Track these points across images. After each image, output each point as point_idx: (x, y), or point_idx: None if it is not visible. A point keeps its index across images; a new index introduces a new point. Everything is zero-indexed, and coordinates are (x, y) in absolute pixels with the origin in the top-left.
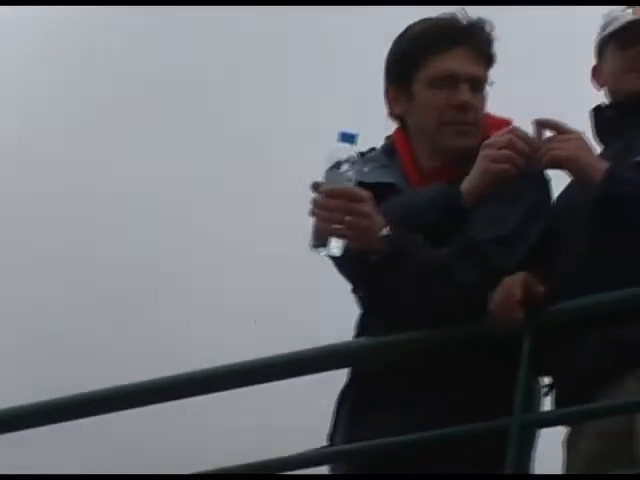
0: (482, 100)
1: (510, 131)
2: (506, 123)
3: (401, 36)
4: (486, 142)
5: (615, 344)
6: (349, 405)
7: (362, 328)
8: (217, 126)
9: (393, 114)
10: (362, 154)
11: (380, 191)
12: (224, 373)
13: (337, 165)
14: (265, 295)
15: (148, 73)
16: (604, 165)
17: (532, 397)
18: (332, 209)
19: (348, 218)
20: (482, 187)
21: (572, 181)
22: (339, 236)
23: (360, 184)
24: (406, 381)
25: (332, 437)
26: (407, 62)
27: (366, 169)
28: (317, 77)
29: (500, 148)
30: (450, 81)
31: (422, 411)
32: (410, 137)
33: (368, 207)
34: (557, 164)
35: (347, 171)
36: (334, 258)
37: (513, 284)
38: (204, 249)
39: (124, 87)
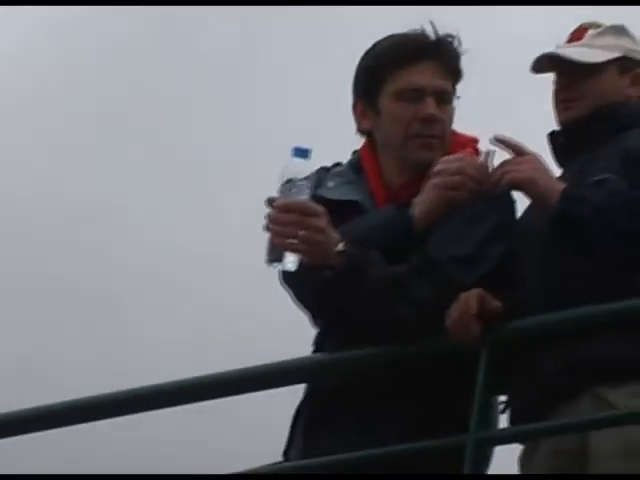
0: (449, 114)
1: (459, 158)
2: (472, 141)
3: (369, 51)
4: (435, 169)
5: (570, 362)
6: (304, 421)
7: (320, 344)
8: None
9: (361, 129)
10: (327, 169)
11: (343, 208)
12: (174, 388)
13: (291, 180)
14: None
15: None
16: (561, 186)
17: (490, 413)
18: (286, 223)
19: (302, 232)
20: (434, 213)
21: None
22: (293, 250)
23: (323, 200)
24: (362, 397)
25: (287, 453)
26: (374, 76)
27: (331, 184)
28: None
29: (451, 175)
30: (416, 94)
31: (378, 427)
32: (378, 152)
33: (322, 221)
34: (515, 186)
35: (301, 186)
36: (291, 285)
37: (469, 299)
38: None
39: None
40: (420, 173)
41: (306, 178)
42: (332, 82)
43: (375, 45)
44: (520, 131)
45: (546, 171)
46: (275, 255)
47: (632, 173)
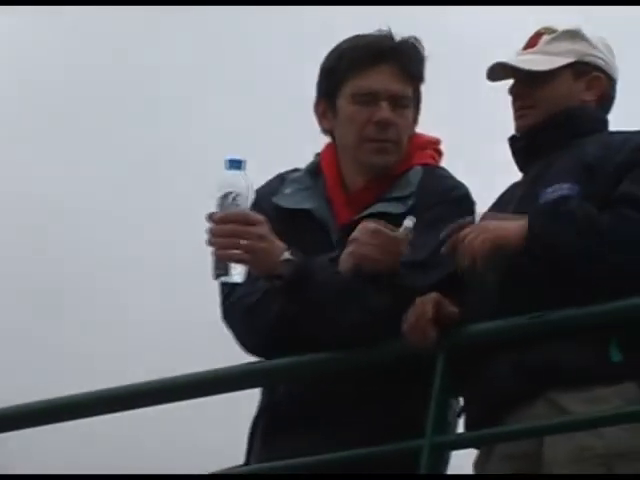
0: (405, 118)
1: (376, 230)
2: (433, 143)
3: (331, 52)
4: (353, 236)
5: (524, 368)
6: (262, 429)
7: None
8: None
9: (323, 129)
10: (284, 175)
11: (298, 217)
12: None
13: (229, 192)
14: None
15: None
16: (519, 228)
17: (447, 418)
18: (226, 235)
19: (243, 241)
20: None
21: (492, 207)
22: (238, 261)
23: (278, 208)
24: (320, 403)
25: (247, 460)
26: (333, 77)
27: (288, 191)
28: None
29: (368, 246)
30: (371, 98)
31: (336, 432)
32: (338, 153)
33: (263, 229)
34: (483, 253)
35: (239, 196)
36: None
37: (425, 303)
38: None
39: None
40: (378, 175)
41: (243, 188)
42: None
43: (337, 46)
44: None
45: (494, 224)
46: (221, 269)
47: (592, 183)
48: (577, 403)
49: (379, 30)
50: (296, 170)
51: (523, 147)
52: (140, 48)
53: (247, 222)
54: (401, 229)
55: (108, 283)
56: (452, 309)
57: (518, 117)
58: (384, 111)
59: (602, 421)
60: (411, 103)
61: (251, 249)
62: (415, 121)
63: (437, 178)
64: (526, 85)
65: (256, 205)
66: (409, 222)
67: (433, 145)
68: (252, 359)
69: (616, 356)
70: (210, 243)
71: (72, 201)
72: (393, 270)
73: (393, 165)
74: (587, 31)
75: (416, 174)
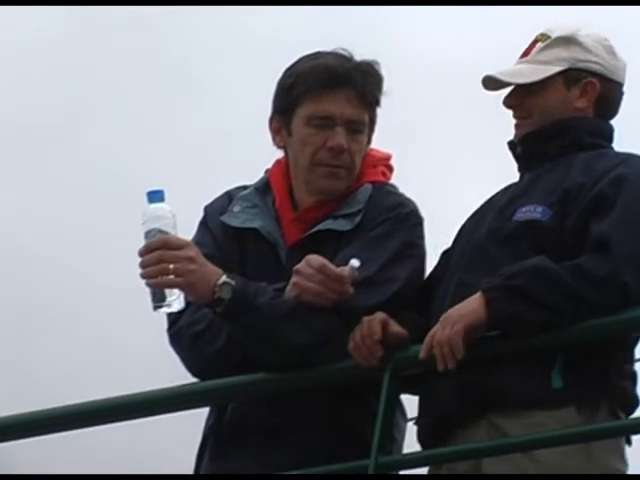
0: (360, 143)
1: (321, 267)
2: (385, 159)
3: (290, 68)
4: (297, 268)
5: (468, 391)
6: (211, 445)
7: None
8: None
9: (276, 145)
10: (232, 193)
11: (245, 235)
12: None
13: (153, 226)
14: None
15: None
16: (481, 309)
17: (392, 437)
18: (154, 262)
19: (172, 266)
20: None
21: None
22: (172, 287)
23: (226, 226)
24: (267, 422)
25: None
26: (289, 97)
27: (236, 209)
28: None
29: (311, 281)
30: (327, 122)
31: (283, 451)
32: (290, 170)
33: (190, 252)
34: (457, 343)
35: (166, 225)
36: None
37: (372, 323)
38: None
39: None
40: (328, 196)
41: (168, 218)
42: None
43: (296, 63)
44: None
45: (459, 314)
46: (158, 299)
47: (568, 208)
48: (517, 428)
49: (338, 49)
50: (244, 187)
51: (521, 154)
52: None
53: (171, 246)
54: (347, 268)
55: None
56: (398, 329)
57: (515, 127)
58: (339, 137)
59: (537, 443)
60: (366, 128)
61: (180, 272)
62: (369, 142)
63: (385, 195)
64: (519, 96)
65: (204, 224)
66: (355, 262)
67: (384, 162)
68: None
69: (557, 382)
70: (141, 275)
71: None
72: (335, 305)
73: (343, 190)
74: (584, 34)
75: (365, 191)
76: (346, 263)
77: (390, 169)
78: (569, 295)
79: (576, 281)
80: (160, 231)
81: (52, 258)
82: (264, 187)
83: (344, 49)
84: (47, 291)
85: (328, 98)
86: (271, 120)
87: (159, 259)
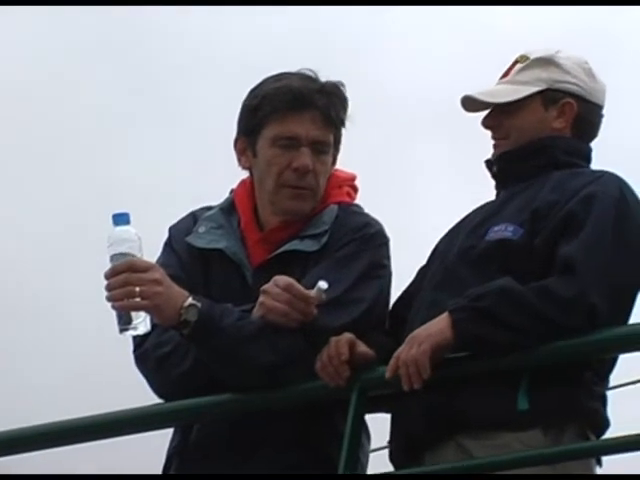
0: (325, 164)
1: (288, 286)
2: (349, 179)
3: (255, 89)
4: (264, 288)
5: (435, 412)
6: (176, 466)
7: None
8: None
9: (241, 166)
10: (196, 213)
11: (211, 255)
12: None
13: (119, 249)
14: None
15: None
16: (448, 330)
17: (358, 456)
18: (120, 285)
19: (138, 289)
20: None
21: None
22: (138, 309)
23: (191, 247)
24: (232, 443)
25: None
26: (255, 118)
27: (201, 230)
28: None
29: (277, 301)
30: (292, 143)
31: (249, 472)
32: (255, 190)
33: (156, 274)
34: (424, 363)
35: (132, 247)
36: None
37: (339, 344)
38: None
39: None
40: (293, 217)
41: (133, 240)
42: None
43: (261, 84)
44: None
45: (426, 334)
46: (124, 322)
47: (539, 227)
48: (482, 449)
49: (304, 70)
50: (209, 208)
51: (497, 173)
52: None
53: (136, 269)
54: (314, 289)
55: None
56: (365, 349)
57: (493, 147)
58: (304, 157)
59: (504, 465)
60: (331, 149)
61: (146, 295)
62: (334, 163)
63: (351, 215)
64: (497, 116)
65: (168, 245)
66: (323, 284)
67: (349, 182)
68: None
69: (523, 404)
70: (107, 298)
71: None
72: (302, 325)
73: (308, 212)
74: (564, 56)
75: (331, 212)
76: (314, 284)
77: (355, 189)
78: (535, 316)
79: (542, 302)
80: (126, 254)
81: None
82: (229, 207)
83: (309, 70)
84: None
85: (293, 119)
86: (236, 141)
87: (125, 282)
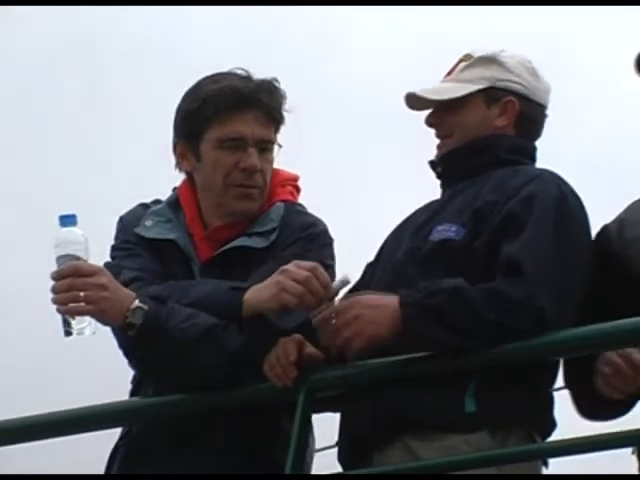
0: (270, 162)
1: (312, 268)
2: (292, 179)
3: (190, 93)
4: (285, 267)
5: (382, 413)
6: (119, 462)
7: (137, 386)
8: None
9: (182, 170)
10: (147, 206)
11: (162, 247)
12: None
13: (66, 251)
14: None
15: None
16: (392, 322)
17: (304, 456)
18: (65, 290)
19: (82, 293)
20: (265, 308)
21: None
22: (83, 314)
23: (140, 238)
24: (178, 441)
25: None
26: (195, 121)
27: (149, 223)
28: None
29: (296, 280)
30: (238, 144)
31: (192, 471)
32: (197, 192)
33: (102, 279)
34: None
35: (78, 249)
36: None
37: (288, 345)
38: None
39: None
40: (239, 218)
41: (80, 241)
42: None
43: (198, 86)
44: None
45: (372, 314)
46: (68, 325)
47: (481, 226)
48: (429, 451)
49: (236, 69)
50: (158, 202)
51: (442, 171)
52: None
53: (82, 273)
54: (337, 280)
55: None
56: (314, 350)
57: (437, 147)
58: (252, 158)
59: (451, 466)
60: (273, 147)
61: (92, 299)
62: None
63: (296, 214)
64: (440, 114)
65: (122, 232)
66: (348, 278)
67: (292, 182)
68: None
69: (470, 407)
70: (53, 301)
71: None
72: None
73: (256, 211)
74: (508, 55)
75: (278, 210)
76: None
77: (298, 190)
78: (483, 319)
79: (490, 305)
80: (71, 256)
81: None
82: (175, 204)
83: (242, 69)
84: None
85: (237, 119)
86: (175, 145)
87: (70, 286)
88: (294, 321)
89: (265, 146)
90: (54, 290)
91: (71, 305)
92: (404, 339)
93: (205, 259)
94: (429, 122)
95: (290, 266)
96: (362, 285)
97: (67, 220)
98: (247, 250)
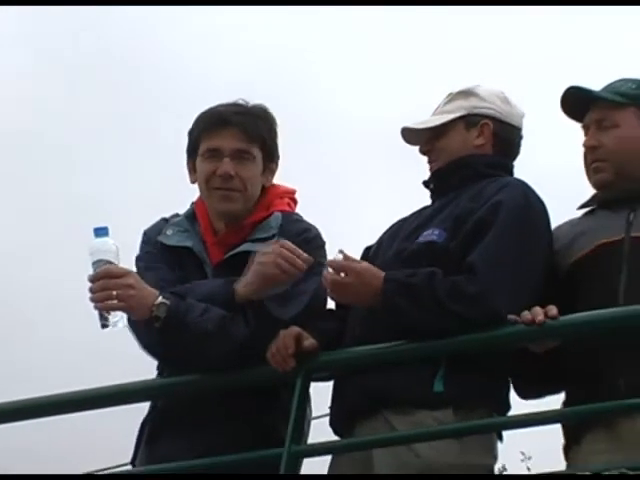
0: (249, 170)
1: (280, 244)
2: (290, 192)
3: (194, 119)
4: (258, 252)
5: (366, 391)
6: (147, 432)
7: (160, 373)
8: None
9: (191, 181)
10: (167, 220)
11: (180, 253)
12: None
13: (99, 257)
14: None
15: None
16: (374, 293)
17: (303, 430)
18: (99, 290)
19: (114, 292)
20: (256, 290)
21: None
22: (115, 309)
23: (162, 245)
24: (197, 413)
25: (134, 459)
26: (192, 140)
27: (169, 232)
28: None
29: (270, 257)
30: (216, 155)
31: (206, 439)
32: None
33: (130, 279)
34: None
35: (110, 255)
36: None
37: (287, 339)
38: None
39: None
40: (232, 221)
41: (112, 250)
42: None
43: (198, 114)
44: None
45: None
46: (103, 320)
47: (459, 231)
48: (404, 424)
49: (238, 100)
50: (177, 215)
51: (433, 187)
52: None
53: (113, 275)
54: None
55: None
56: (310, 342)
57: (429, 170)
58: (226, 165)
59: (420, 437)
60: (255, 158)
61: (122, 297)
62: (268, 173)
63: (293, 222)
64: (430, 141)
65: (145, 244)
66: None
67: (289, 195)
68: None
69: (439, 387)
70: (90, 300)
71: None
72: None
73: (240, 211)
74: (483, 88)
75: (276, 219)
76: None
77: (295, 201)
78: (444, 305)
79: (451, 294)
80: (104, 261)
81: None
82: (191, 216)
83: (243, 99)
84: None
85: (217, 135)
86: (187, 162)
87: (103, 287)
88: (290, 312)
89: (242, 155)
90: (91, 290)
91: (106, 302)
92: (381, 309)
93: (216, 262)
94: (422, 150)
95: (260, 249)
96: None
97: (100, 231)
98: (250, 254)
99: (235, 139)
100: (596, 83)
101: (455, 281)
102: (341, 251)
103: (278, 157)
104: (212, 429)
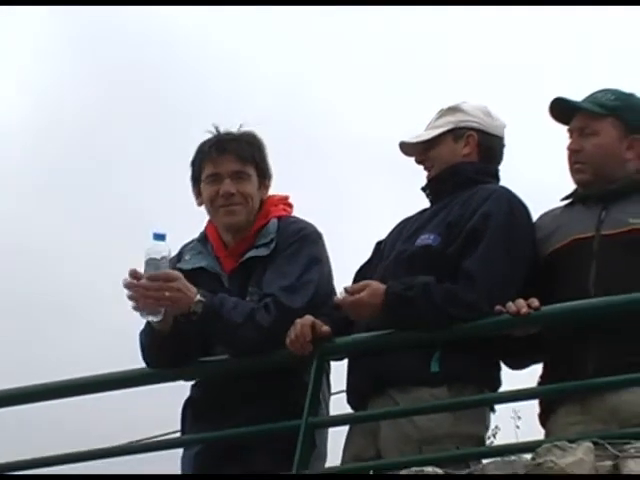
0: (246, 186)
1: (133, 274)
2: (283, 199)
3: (195, 150)
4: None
5: (372, 371)
6: (190, 410)
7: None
8: None
9: (198, 205)
10: (186, 246)
11: (196, 274)
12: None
13: (154, 257)
14: None
15: None
16: (379, 306)
17: (319, 403)
18: (155, 289)
19: (167, 294)
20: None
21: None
22: (162, 306)
23: (182, 270)
24: (227, 394)
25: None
26: (195, 168)
27: (187, 257)
28: None
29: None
30: (217, 178)
31: (240, 414)
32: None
33: (180, 284)
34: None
35: (163, 259)
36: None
37: (304, 328)
38: None
39: None
40: (238, 231)
41: (165, 254)
42: None
43: (198, 146)
44: None
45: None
46: (149, 313)
47: (452, 236)
48: (406, 400)
49: (234, 127)
50: (192, 241)
51: (429, 193)
52: None
53: (168, 279)
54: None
55: None
56: (324, 329)
57: (426, 177)
58: (227, 185)
59: (420, 411)
60: (251, 177)
61: (172, 299)
62: (263, 189)
63: (289, 224)
64: (423, 152)
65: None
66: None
67: (283, 201)
68: None
69: (435, 367)
70: (145, 296)
71: None
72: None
73: (243, 223)
74: (468, 104)
75: (273, 225)
76: (271, 279)
77: (290, 206)
78: (441, 311)
79: (448, 302)
80: (159, 263)
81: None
82: (203, 238)
83: (233, 128)
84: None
85: (216, 161)
86: (192, 189)
87: (160, 287)
88: (300, 301)
89: (239, 175)
90: (149, 288)
91: (159, 301)
92: (385, 318)
93: (230, 271)
94: (417, 160)
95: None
96: (377, 259)
97: (159, 236)
98: (256, 259)
99: (232, 163)
100: (596, 83)
101: (453, 289)
102: (346, 289)
103: (270, 174)
104: (247, 403)
